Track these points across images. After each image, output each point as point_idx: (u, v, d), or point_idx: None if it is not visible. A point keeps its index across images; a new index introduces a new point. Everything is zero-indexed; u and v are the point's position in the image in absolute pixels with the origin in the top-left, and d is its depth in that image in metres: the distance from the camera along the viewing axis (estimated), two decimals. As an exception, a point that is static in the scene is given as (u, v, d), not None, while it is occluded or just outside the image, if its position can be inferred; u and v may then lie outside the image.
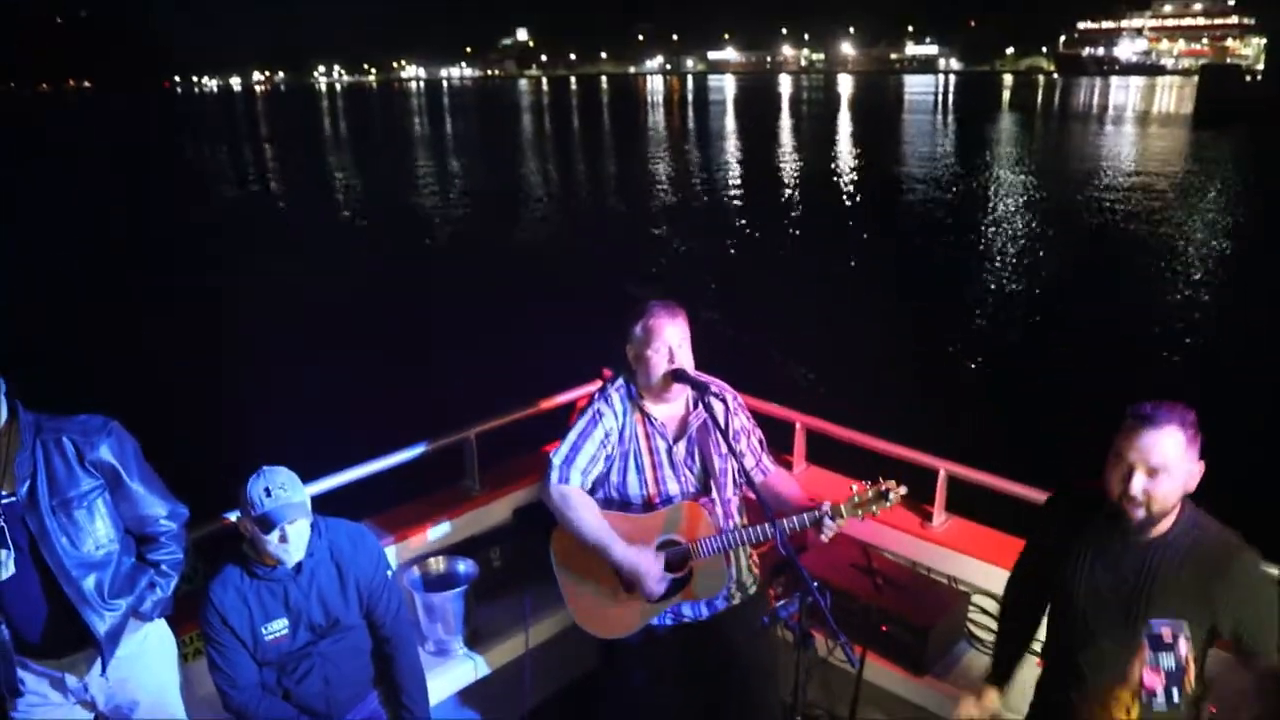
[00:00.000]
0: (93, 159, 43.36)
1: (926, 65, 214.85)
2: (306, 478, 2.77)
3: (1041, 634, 3.15)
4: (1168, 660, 2.01)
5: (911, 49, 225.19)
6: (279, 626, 2.70)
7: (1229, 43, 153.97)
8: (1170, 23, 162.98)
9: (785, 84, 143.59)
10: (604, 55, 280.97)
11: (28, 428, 2.55)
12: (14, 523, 2.51)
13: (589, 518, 2.85)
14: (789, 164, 36.25)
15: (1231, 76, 66.49)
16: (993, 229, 20.86)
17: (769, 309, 13.82)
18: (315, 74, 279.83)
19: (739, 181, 30.75)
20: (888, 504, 2.76)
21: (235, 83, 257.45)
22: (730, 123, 61.95)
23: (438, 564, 3.62)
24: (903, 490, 2.77)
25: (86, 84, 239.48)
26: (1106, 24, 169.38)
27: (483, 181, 32.74)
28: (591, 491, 2.94)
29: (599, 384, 3.13)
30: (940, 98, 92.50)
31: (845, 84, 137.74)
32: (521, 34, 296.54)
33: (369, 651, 2.92)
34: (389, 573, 2.91)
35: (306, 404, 9.37)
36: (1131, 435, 2.16)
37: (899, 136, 46.74)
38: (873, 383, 9.87)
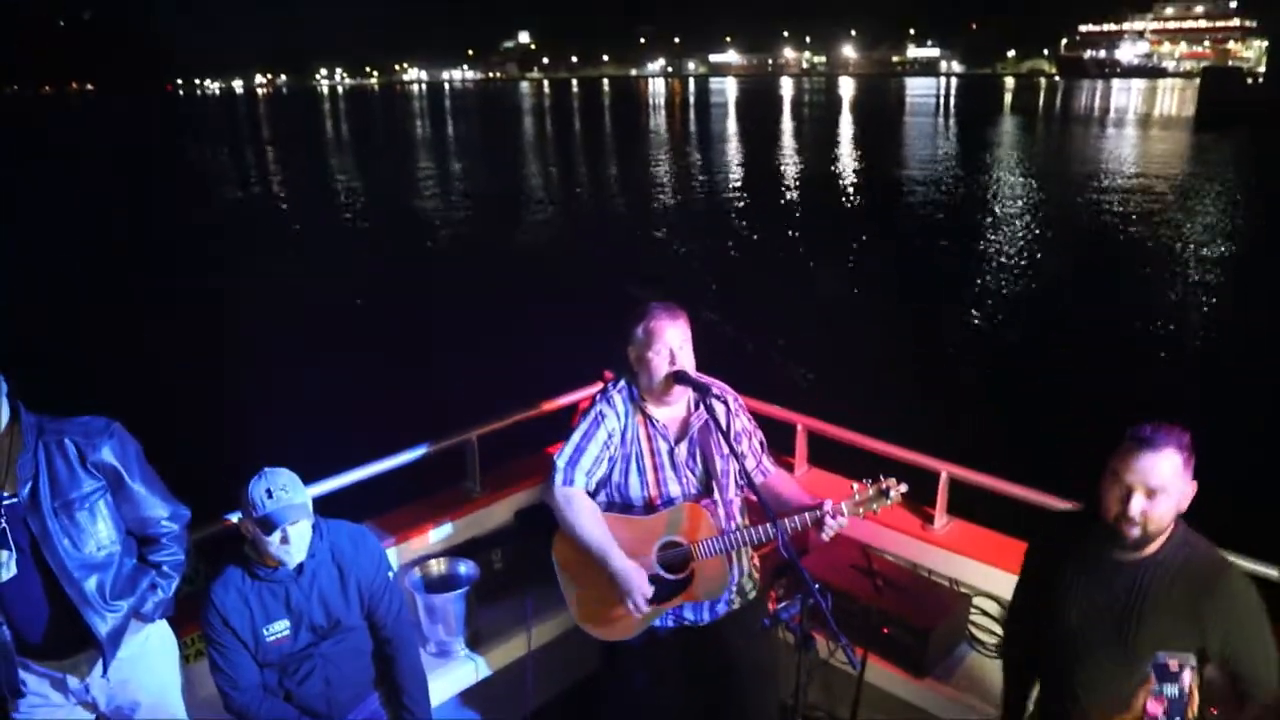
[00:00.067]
0: (95, 161, 43.42)
1: (928, 68, 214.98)
2: (308, 479, 2.78)
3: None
4: (1172, 690, 2.05)
5: (913, 52, 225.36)
6: (280, 628, 2.70)
7: (1231, 45, 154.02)
8: (1172, 25, 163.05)
9: (787, 86, 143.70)
10: (606, 58, 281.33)
11: (30, 429, 2.56)
12: (16, 524, 2.51)
13: (590, 524, 2.85)
14: (790, 166, 36.26)
15: (1233, 79, 66.46)
16: (994, 231, 20.86)
17: (770, 311, 13.83)
18: (317, 76, 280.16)
19: (740, 184, 30.76)
20: (888, 502, 2.76)
21: (237, 85, 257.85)
22: (731, 125, 61.99)
23: (439, 565, 3.62)
24: (903, 488, 2.77)
25: (89, 86, 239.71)
26: (1108, 27, 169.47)
27: (484, 184, 32.77)
28: (594, 493, 2.94)
29: (600, 386, 3.13)
30: (941, 100, 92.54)
31: (846, 86, 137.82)
32: (523, 36, 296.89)
33: (370, 653, 2.91)
34: (390, 574, 2.91)
35: (308, 406, 9.38)
36: (1130, 457, 2.19)
37: (900, 139, 46.76)
38: (874, 385, 9.86)
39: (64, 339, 12.54)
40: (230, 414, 9.36)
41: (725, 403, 3.00)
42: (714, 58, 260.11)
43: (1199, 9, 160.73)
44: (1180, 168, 32.60)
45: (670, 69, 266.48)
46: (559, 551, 2.99)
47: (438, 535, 3.81)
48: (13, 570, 2.50)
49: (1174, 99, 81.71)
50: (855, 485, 2.79)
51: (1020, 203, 25.33)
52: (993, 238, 20.07)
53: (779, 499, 2.91)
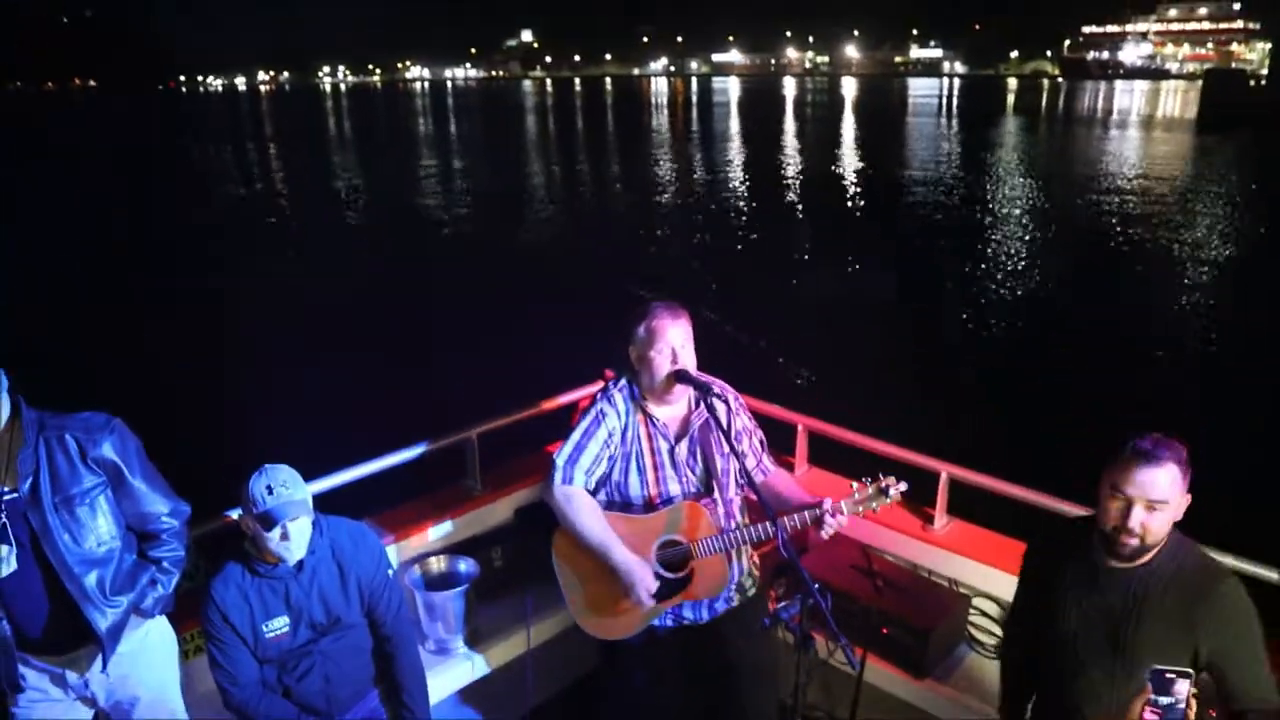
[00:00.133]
0: (96, 160, 43.44)
1: (931, 68, 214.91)
2: (308, 476, 2.78)
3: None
4: (1168, 701, 2.07)
5: (916, 52, 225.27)
6: (280, 624, 2.70)
7: (1234, 47, 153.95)
8: (1175, 27, 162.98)
9: (789, 86, 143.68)
10: (608, 57, 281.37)
11: (31, 425, 2.56)
12: (16, 519, 2.51)
13: (591, 520, 2.85)
14: (792, 166, 36.26)
15: (1236, 81, 66.43)
16: (995, 232, 20.86)
17: (771, 310, 13.83)
18: (320, 74, 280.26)
19: (742, 183, 30.76)
20: (888, 500, 2.77)
21: (240, 83, 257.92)
22: (734, 125, 61.99)
23: (439, 563, 3.62)
24: (903, 487, 2.77)
25: (92, 83, 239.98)
26: (1111, 28, 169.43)
27: (486, 182, 32.78)
28: (594, 492, 2.94)
29: (601, 384, 3.13)
30: (944, 101, 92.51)
31: (849, 87, 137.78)
32: (526, 35, 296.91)
33: (369, 650, 2.92)
34: (390, 571, 2.91)
35: (309, 403, 9.39)
36: (1130, 471, 2.20)
37: (903, 140, 46.74)
38: (874, 385, 9.87)
39: (65, 338, 12.54)
40: (231, 411, 9.37)
41: (726, 402, 3.00)
42: (717, 57, 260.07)
43: (1202, 11, 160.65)
44: (1182, 170, 32.58)
45: (673, 68, 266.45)
46: (559, 549, 2.99)
47: (438, 533, 3.82)
48: (13, 565, 2.51)
49: (1177, 101, 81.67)
50: (855, 484, 2.79)
51: (1022, 204, 25.32)
52: (994, 238, 20.07)
53: (779, 498, 2.91)
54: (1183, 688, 2.08)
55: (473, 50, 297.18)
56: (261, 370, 11.02)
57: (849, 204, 26.24)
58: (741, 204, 26.12)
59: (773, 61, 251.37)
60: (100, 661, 2.68)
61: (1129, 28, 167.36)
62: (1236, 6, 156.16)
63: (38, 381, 2.82)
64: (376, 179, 34.17)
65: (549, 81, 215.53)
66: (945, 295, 14.89)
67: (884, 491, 2.75)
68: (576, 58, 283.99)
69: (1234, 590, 2.25)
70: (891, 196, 26.50)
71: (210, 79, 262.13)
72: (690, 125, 63.10)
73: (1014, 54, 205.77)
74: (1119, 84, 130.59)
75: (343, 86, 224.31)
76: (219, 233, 22.61)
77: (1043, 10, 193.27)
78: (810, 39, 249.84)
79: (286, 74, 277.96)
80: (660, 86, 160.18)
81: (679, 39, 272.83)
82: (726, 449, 2.90)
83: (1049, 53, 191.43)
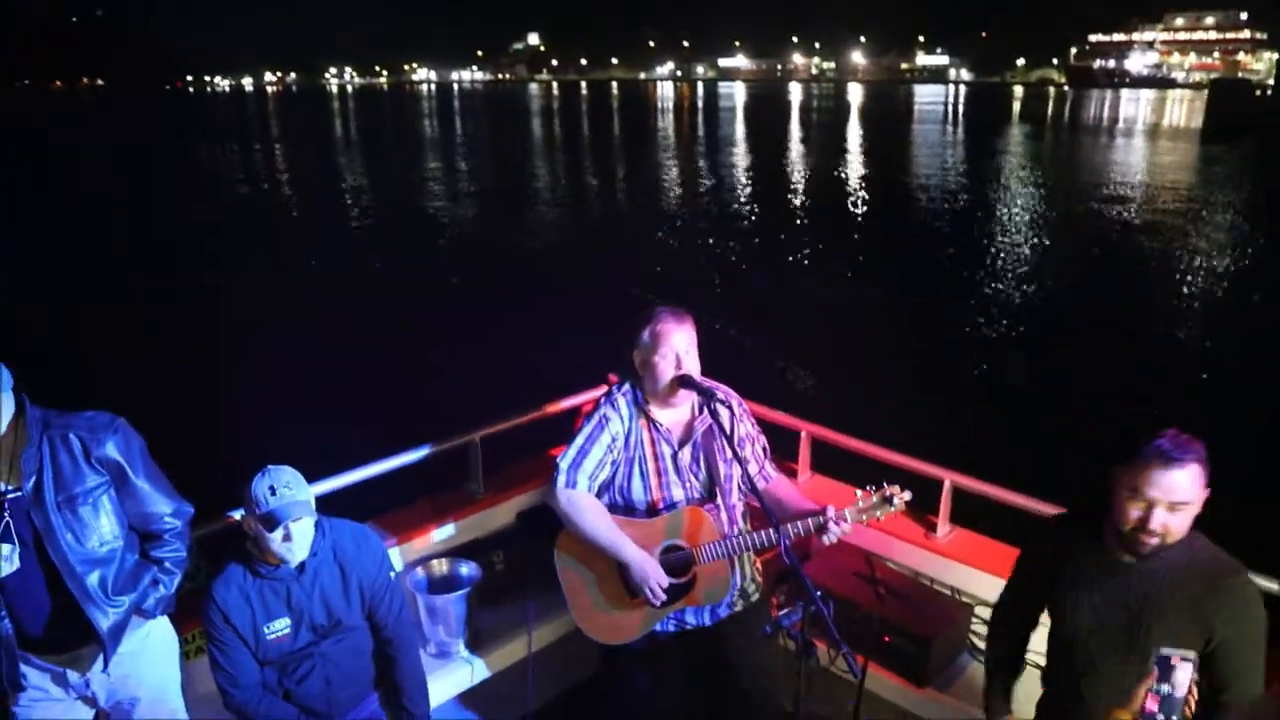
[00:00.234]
0: (103, 159, 43.53)
1: (937, 75, 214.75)
2: (311, 477, 2.78)
3: (1033, 643, 3.16)
4: (1171, 685, 2.07)
5: (922, 59, 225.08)
6: (281, 626, 2.70)
7: (1241, 57, 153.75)
8: (1182, 36, 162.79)
9: (795, 92, 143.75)
10: (615, 61, 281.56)
11: (35, 423, 2.56)
12: (19, 518, 2.51)
13: (598, 520, 2.85)
14: (798, 172, 36.27)
15: (1242, 90, 66.45)
16: (1001, 240, 20.84)
17: (775, 316, 13.84)
18: (326, 75, 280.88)
19: (748, 189, 30.77)
20: (891, 509, 2.76)
21: (247, 83, 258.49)
22: (740, 130, 62.01)
23: (441, 566, 3.62)
24: (907, 496, 2.77)
25: (99, 83, 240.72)
26: (1118, 37, 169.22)
27: (491, 184, 32.83)
28: (597, 496, 2.94)
29: (604, 389, 3.13)
30: (950, 108, 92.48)
31: (855, 93, 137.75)
32: (533, 38, 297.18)
33: (370, 652, 2.91)
34: (392, 574, 2.91)
35: (312, 404, 9.40)
36: (1152, 473, 2.15)
37: (909, 146, 46.74)
38: (878, 392, 9.86)
39: (66, 338, 12.55)
40: (234, 411, 9.37)
41: (729, 407, 3.00)
42: (723, 62, 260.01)
43: (1209, 20, 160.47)
44: (1187, 179, 32.55)
45: (679, 73, 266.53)
46: (562, 552, 2.99)
47: (440, 536, 3.81)
48: (15, 564, 2.51)
49: (1183, 110, 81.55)
50: (859, 492, 2.79)
51: (1027, 212, 25.31)
52: (999, 246, 20.05)
53: (781, 505, 2.91)
54: (1184, 676, 2.07)
55: (479, 53, 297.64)
56: (265, 370, 11.03)
57: (853, 210, 26.23)
58: (746, 209, 26.12)
59: (779, 67, 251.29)
60: (101, 661, 2.68)
61: (1136, 37, 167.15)
62: (1244, 16, 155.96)
63: (39, 381, 2.82)
64: (382, 180, 34.22)
65: (555, 85, 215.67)
66: (950, 303, 14.87)
67: (888, 500, 2.75)
68: (583, 61, 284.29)
69: (1246, 584, 2.24)
70: (896, 203, 26.50)
71: (217, 79, 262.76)
72: (696, 130, 63.16)
73: (1020, 62, 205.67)
74: (1125, 92, 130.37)
75: (349, 88, 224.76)
76: (223, 232, 22.67)
77: (1049, 18, 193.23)
78: (816, 45, 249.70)
79: (293, 75, 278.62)
80: (666, 91, 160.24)
81: (685, 44, 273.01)
82: (730, 455, 2.90)
83: (1055, 61, 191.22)
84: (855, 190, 30.34)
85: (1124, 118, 73.99)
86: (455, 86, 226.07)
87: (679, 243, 20.86)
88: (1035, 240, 20.92)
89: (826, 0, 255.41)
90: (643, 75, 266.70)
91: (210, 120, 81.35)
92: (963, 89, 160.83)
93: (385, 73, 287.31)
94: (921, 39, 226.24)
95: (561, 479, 2.89)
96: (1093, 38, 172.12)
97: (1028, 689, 3.19)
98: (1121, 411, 9.76)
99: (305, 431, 6.50)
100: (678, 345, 2.83)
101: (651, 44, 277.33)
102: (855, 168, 37.70)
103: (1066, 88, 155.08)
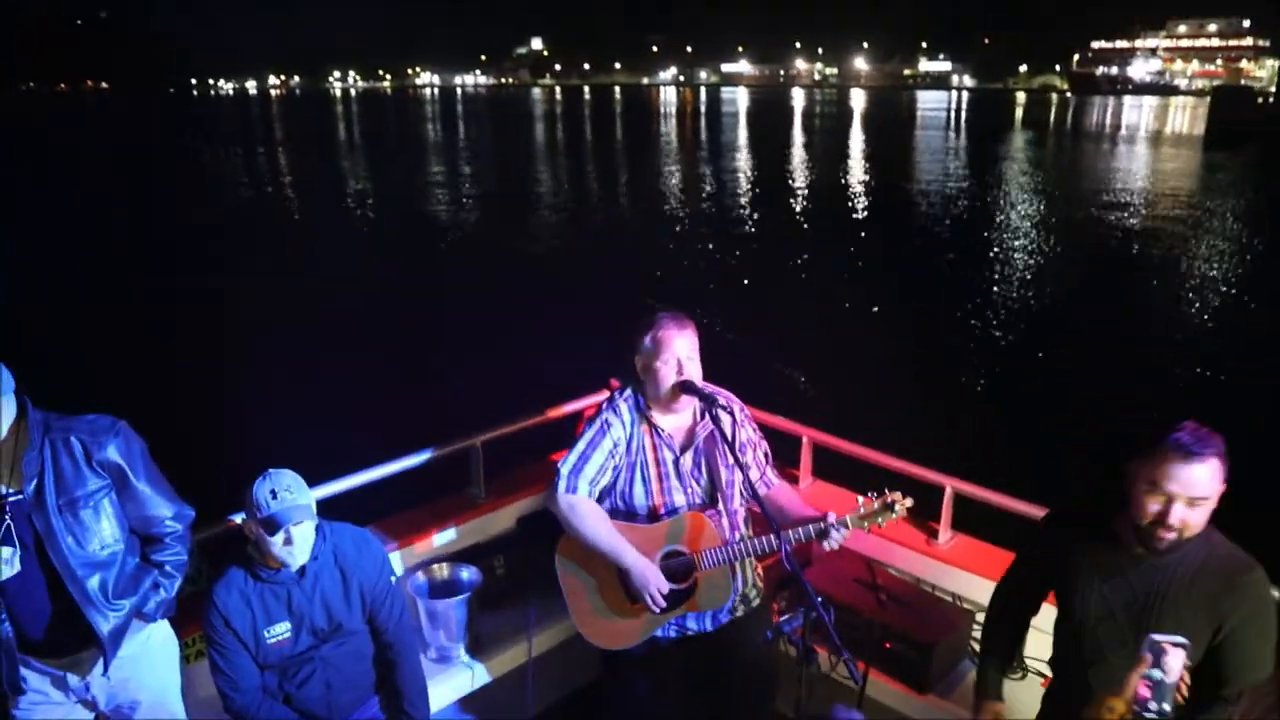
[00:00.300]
0: (105, 160, 43.61)
1: (939, 81, 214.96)
2: (312, 481, 2.78)
3: (1034, 649, 3.16)
4: (1163, 670, 2.05)
5: (924, 65, 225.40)
6: (281, 630, 2.70)
7: (1243, 64, 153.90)
8: (1185, 43, 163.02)
9: (798, 97, 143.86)
10: (618, 66, 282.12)
11: (36, 426, 2.56)
12: (20, 521, 2.51)
13: (599, 526, 2.85)
14: (800, 177, 36.30)
15: (1244, 98, 66.46)
16: (1003, 246, 20.84)
17: (777, 322, 13.83)
18: (330, 79, 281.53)
19: (750, 194, 30.80)
20: (893, 515, 2.76)
21: (251, 86, 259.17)
22: (742, 135, 62.07)
23: (441, 570, 3.61)
24: (908, 502, 2.77)
25: (104, 85, 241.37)
26: (1120, 43, 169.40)
27: (494, 189, 32.86)
28: (598, 501, 2.94)
29: (606, 394, 3.13)
30: (952, 114, 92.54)
31: (858, 99, 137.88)
32: (536, 43, 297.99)
33: (371, 657, 2.91)
34: (393, 578, 2.91)
35: (313, 408, 9.39)
36: (1171, 466, 2.11)
37: (911, 152, 46.77)
38: (880, 398, 9.85)
39: (68, 340, 12.56)
40: (235, 415, 9.37)
41: (731, 413, 2.99)
42: (726, 67, 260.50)
43: (1212, 28, 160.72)
44: (1189, 186, 32.55)
45: (682, 78, 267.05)
46: (563, 557, 2.99)
47: (441, 540, 3.82)
48: (16, 567, 2.51)
49: (1185, 117, 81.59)
50: (860, 499, 2.79)
51: (1029, 218, 25.31)
52: (1001, 252, 20.06)
53: (782, 510, 2.91)
54: (1175, 662, 2.06)
55: (483, 57, 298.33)
56: (266, 373, 11.04)
57: (855, 216, 26.25)
58: (748, 215, 26.14)
59: (782, 72, 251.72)
60: (101, 665, 2.68)
61: (1138, 43, 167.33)
62: (1246, 24, 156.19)
63: (40, 382, 2.82)
64: (385, 184, 34.27)
65: (558, 89, 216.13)
66: (952, 309, 14.86)
67: (889, 507, 2.75)
68: (586, 66, 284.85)
69: (1260, 581, 2.21)
70: (898, 209, 26.51)
71: (221, 82, 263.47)
72: (698, 135, 63.22)
73: (1023, 68, 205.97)
74: (1128, 99, 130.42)
75: (353, 91, 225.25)
76: (225, 234, 22.68)
77: (1052, 25, 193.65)
78: (819, 51, 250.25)
79: (297, 78, 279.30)
80: (669, 96, 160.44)
81: (688, 49, 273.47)
82: (731, 460, 2.90)
83: (1058, 67, 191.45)
84: (857, 196, 30.36)
85: (1126, 124, 74.01)
86: (458, 90, 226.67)
87: (681, 248, 20.87)
88: (1037, 246, 20.92)
89: (829, 6, 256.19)
90: (645, 80, 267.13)
91: (213, 123, 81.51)
92: (965, 95, 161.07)
93: (389, 76, 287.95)
94: (924, 45, 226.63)
95: (562, 484, 2.89)
96: (1095, 44, 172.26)
97: (1028, 693, 3.19)
98: (1123, 418, 9.74)
99: (307, 435, 6.50)
100: (679, 351, 2.83)
101: (655, 49, 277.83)
102: (857, 173, 37.72)
103: (1069, 94, 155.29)
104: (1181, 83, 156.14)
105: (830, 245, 20.92)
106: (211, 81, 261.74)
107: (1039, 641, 3.23)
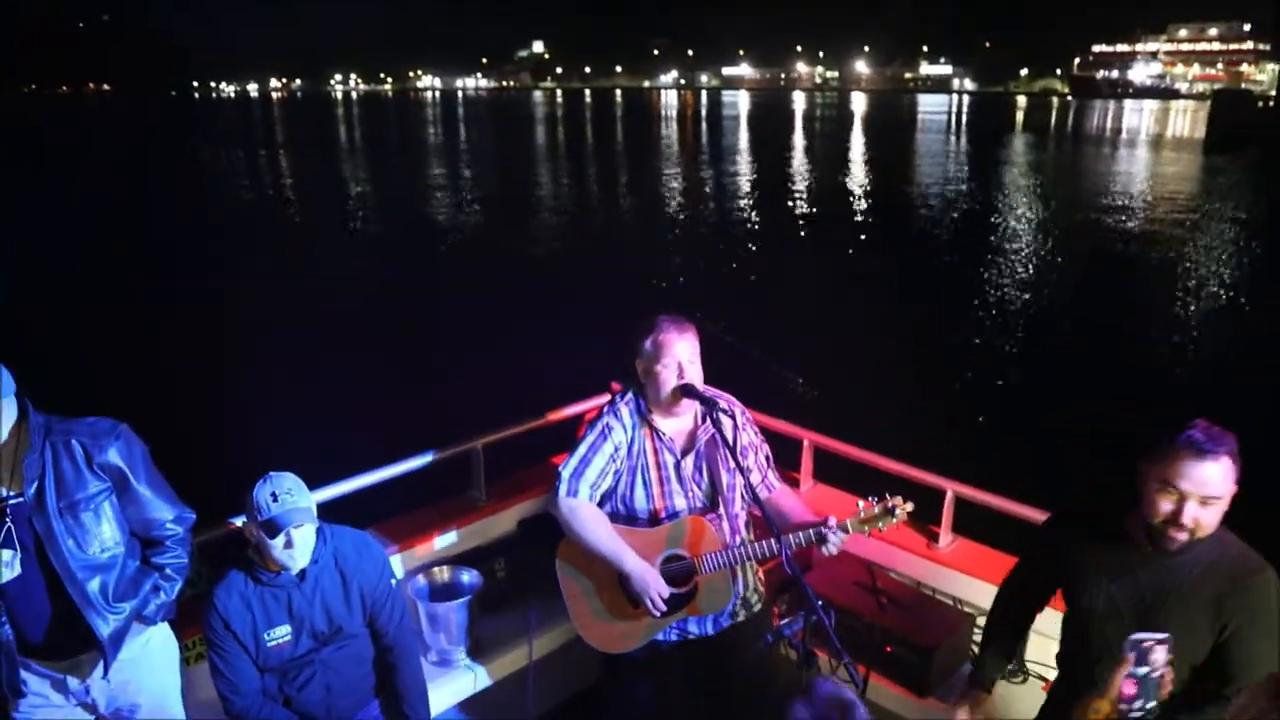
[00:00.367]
0: (106, 162, 43.62)
1: (940, 85, 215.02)
2: (313, 484, 2.78)
3: (1035, 653, 3.16)
4: (1147, 670, 2.04)
5: (925, 69, 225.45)
6: (281, 633, 2.70)
7: (1244, 68, 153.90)
8: (1185, 47, 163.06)
9: (799, 101, 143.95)
10: (619, 69, 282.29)
11: (37, 429, 2.56)
12: (20, 523, 2.51)
13: (599, 529, 2.85)
14: (801, 180, 36.30)
15: (1244, 102, 66.48)
16: (1004, 250, 20.84)
17: (778, 324, 13.82)
18: (332, 82, 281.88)
19: (750, 197, 30.80)
20: (894, 520, 2.75)
21: (252, 89, 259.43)
22: (743, 138, 62.09)
23: (442, 574, 3.61)
24: (909, 507, 2.76)
25: (105, 87, 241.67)
26: (1121, 47, 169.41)
27: (495, 191, 32.87)
28: (599, 505, 2.94)
29: (607, 397, 3.13)
30: (954, 118, 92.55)
31: (859, 102, 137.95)
32: (537, 46, 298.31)
33: (371, 660, 2.91)
34: (393, 581, 2.91)
35: (314, 410, 9.39)
36: (1183, 464, 2.10)
37: (911, 156, 46.78)
38: (881, 402, 9.84)
39: (69, 341, 12.55)
40: (237, 417, 9.37)
41: (732, 416, 2.98)
42: (727, 71, 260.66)
43: (1213, 31, 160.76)
44: (1190, 189, 32.55)
45: (683, 81, 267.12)
46: (564, 560, 2.99)
47: (442, 543, 3.81)
48: (16, 570, 2.51)
49: (1186, 121, 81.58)
50: (861, 503, 2.78)
51: (1030, 221, 25.31)
52: (1002, 255, 20.05)
53: (783, 514, 2.91)
54: (1160, 657, 2.04)
55: (484, 60, 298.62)
56: (267, 375, 11.04)
57: (856, 219, 26.25)
58: (749, 217, 26.15)
59: (782, 76, 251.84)
60: (101, 667, 2.68)
61: (1139, 47, 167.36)
62: (1247, 28, 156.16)
63: (40, 383, 2.82)
64: (386, 186, 34.29)
65: (559, 92, 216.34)
66: (953, 312, 14.86)
67: (890, 511, 2.74)
68: (587, 69, 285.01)
69: (1269, 583, 2.19)
70: (899, 212, 26.51)
71: (223, 84, 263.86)
72: (699, 138, 63.24)
73: (1024, 72, 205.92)
74: (1128, 103, 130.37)
75: (354, 94, 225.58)
76: (227, 236, 22.69)
77: (1053, 29, 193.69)
78: (820, 54, 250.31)
79: (298, 81, 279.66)
80: (670, 99, 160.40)
81: (689, 52, 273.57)
82: (732, 464, 2.90)
83: (1059, 71, 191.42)
84: (857, 199, 30.37)
85: (1127, 128, 74.00)
86: (460, 94, 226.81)
87: (682, 250, 20.87)
88: (1037, 250, 20.91)
89: (830, 10, 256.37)
90: (647, 83, 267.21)
91: (215, 125, 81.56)
92: (966, 98, 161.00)
93: (390, 79, 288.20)
94: (925, 49, 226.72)
95: (563, 487, 2.88)
96: (1096, 48, 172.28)
97: (1028, 696, 3.18)
98: (1124, 421, 9.73)
99: (307, 437, 6.50)
100: (680, 354, 2.83)
101: (656, 52, 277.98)
102: (858, 176, 37.73)
103: (1070, 98, 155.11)
104: (1182, 86, 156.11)
105: (831, 248, 20.92)
106: (213, 84, 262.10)
107: (1039, 646, 3.23)
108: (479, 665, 3.50)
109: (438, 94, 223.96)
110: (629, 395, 2.98)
